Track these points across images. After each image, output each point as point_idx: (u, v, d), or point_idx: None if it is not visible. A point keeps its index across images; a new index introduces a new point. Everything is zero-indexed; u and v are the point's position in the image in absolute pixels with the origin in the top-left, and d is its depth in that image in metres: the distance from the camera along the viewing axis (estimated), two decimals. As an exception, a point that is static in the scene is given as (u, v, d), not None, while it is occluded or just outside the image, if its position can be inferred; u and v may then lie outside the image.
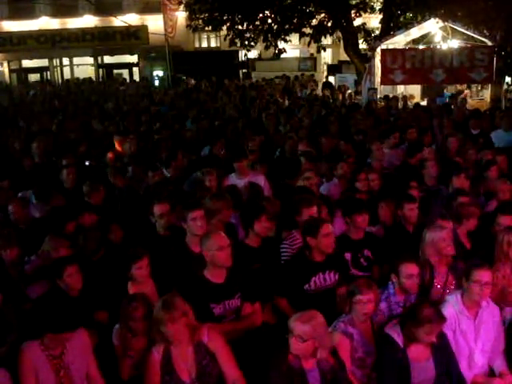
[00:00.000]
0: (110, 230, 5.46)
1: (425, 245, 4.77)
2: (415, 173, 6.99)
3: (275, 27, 17.41)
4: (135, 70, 31.73)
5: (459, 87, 17.66)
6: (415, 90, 16.79)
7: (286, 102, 16.30)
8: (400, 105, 14.03)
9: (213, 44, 32.45)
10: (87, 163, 8.20)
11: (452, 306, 4.27)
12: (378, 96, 14.62)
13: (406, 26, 16.28)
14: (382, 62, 14.61)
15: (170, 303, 3.63)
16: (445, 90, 17.21)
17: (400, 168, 7.69)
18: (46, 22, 30.59)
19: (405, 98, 14.87)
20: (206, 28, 19.49)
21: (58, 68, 32.32)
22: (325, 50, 20.35)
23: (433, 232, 4.76)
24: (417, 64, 14.27)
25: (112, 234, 5.45)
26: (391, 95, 14.79)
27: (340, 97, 17.16)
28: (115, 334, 4.06)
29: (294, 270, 4.67)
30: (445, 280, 4.67)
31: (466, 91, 17.32)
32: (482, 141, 8.73)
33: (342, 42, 18.91)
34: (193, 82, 23.43)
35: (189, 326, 3.69)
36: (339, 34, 18.38)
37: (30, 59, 31.20)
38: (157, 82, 27.41)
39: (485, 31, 15.00)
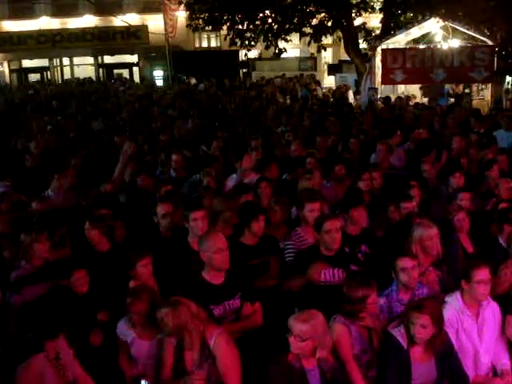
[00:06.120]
0: (116, 227, 5.38)
1: (412, 241, 4.73)
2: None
3: (275, 27, 17.43)
4: (135, 69, 31.76)
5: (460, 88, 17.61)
6: (416, 89, 16.77)
7: (287, 102, 16.28)
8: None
9: (213, 44, 32.48)
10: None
11: (452, 307, 4.23)
12: (379, 96, 14.61)
13: (407, 25, 16.32)
14: (383, 61, 14.60)
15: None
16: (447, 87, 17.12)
17: (408, 168, 7.60)
18: (46, 22, 30.61)
19: (407, 98, 14.84)
20: (207, 28, 19.52)
21: (58, 68, 32.37)
22: (325, 50, 20.39)
23: (420, 229, 4.74)
24: (417, 64, 14.29)
25: (116, 231, 5.35)
26: (391, 95, 14.76)
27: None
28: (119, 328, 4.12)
29: (305, 261, 4.72)
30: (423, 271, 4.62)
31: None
32: (485, 140, 8.68)
33: (342, 41, 18.92)
34: (194, 81, 23.41)
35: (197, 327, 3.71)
36: (339, 33, 18.39)
37: (30, 59, 31.21)
38: (160, 82, 27.22)
39: (485, 31, 15.01)
